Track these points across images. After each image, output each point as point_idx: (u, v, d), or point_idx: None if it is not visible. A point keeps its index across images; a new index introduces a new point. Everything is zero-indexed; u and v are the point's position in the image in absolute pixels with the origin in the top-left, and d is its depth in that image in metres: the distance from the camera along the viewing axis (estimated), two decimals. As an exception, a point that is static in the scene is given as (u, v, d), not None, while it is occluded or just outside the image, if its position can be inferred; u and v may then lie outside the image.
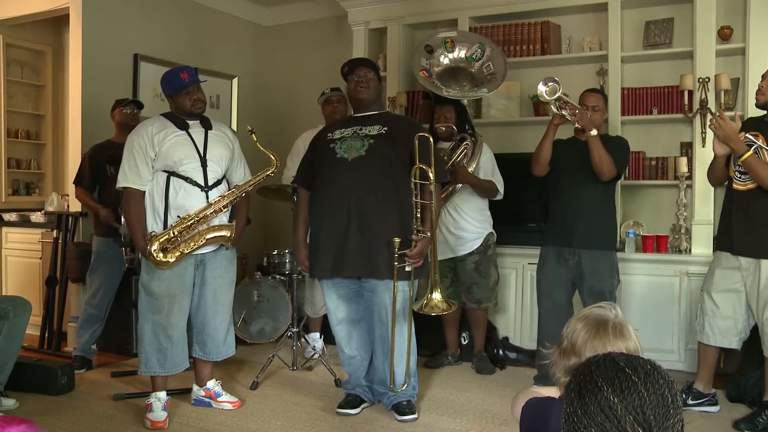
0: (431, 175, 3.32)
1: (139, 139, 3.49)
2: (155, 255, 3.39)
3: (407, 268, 3.37)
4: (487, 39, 4.76)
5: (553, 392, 1.70)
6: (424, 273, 3.50)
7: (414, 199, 3.38)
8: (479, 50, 4.61)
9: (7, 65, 5.89)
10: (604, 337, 1.57)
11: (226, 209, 3.59)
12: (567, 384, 1.22)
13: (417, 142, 3.36)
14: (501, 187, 4.43)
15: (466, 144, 4.33)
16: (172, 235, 3.42)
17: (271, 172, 3.70)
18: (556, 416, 1.49)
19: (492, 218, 4.54)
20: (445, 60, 4.61)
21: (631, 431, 1.11)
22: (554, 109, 3.82)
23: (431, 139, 3.41)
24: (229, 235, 3.57)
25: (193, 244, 3.47)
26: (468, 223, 4.40)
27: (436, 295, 3.36)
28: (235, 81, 6.30)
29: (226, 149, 3.66)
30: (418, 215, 3.40)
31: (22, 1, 5.46)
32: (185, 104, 3.55)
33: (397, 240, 3.32)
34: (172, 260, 3.43)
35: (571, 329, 1.64)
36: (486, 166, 4.40)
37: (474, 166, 4.33)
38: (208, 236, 3.51)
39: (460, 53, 4.63)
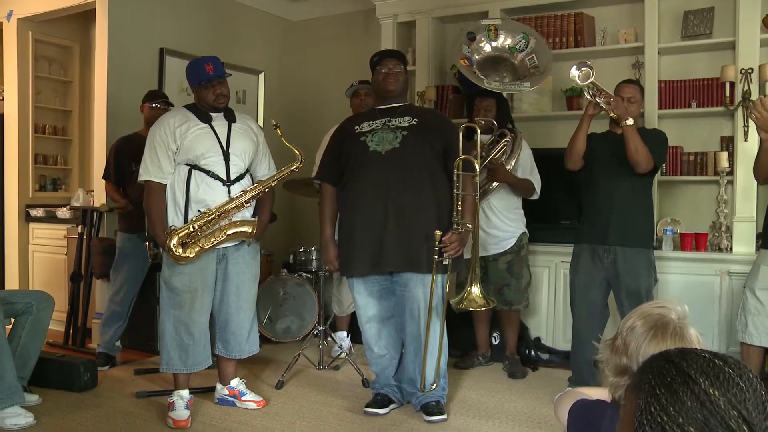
0: (477, 166, 3.23)
1: (161, 132, 3.43)
2: (174, 249, 3.32)
3: (445, 262, 3.27)
4: (533, 30, 4.56)
5: (601, 393, 1.57)
6: (460, 267, 3.40)
7: (456, 191, 3.28)
8: (523, 41, 4.40)
9: (36, 61, 5.88)
10: (661, 342, 1.40)
11: (248, 204, 3.50)
12: (641, 380, 1.05)
13: (461, 133, 3.28)
14: (538, 187, 4.30)
15: (506, 141, 4.19)
16: (192, 230, 3.34)
17: (296, 168, 3.62)
18: (609, 420, 1.37)
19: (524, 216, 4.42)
20: (486, 47, 4.41)
21: (736, 428, 0.96)
22: (588, 96, 3.66)
23: (478, 129, 3.34)
24: (250, 231, 3.49)
25: (213, 239, 3.39)
26: (502, 222, 4.27)
27: (476, 290, 3.27)
28: (261, 76, 6.24)
29: (249, 143, 3.57)
30: (459, 208, 3.29)
31: (51, -3, 5.45)
32: (208, 97, 3.48)
33: (438, 233, 3.23)
34: (191, 255, 3.35)
35: (629, 326, 1.47)
36: (525, 164, 4.27)
37: (513, 163, 4.20)
38: (229, 232, 3.42)
39: (503, 42, 4.43)
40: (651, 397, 1.01)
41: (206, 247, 3.38)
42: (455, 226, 3.30)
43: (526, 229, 4.38)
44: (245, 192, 3.48)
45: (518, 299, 4.33)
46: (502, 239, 4.28)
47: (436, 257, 3.26)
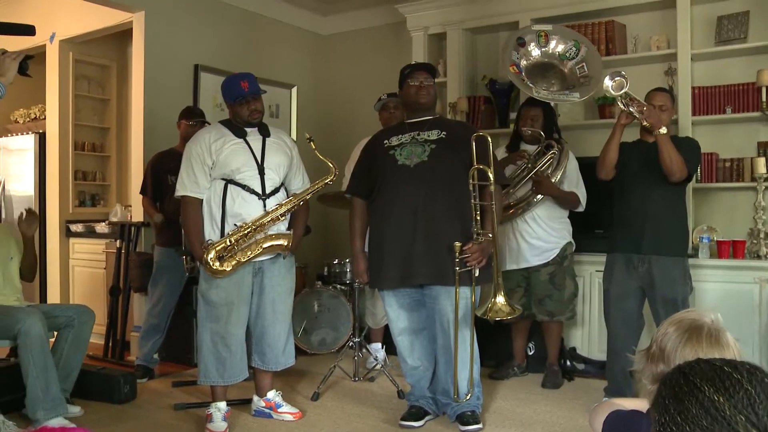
0: (491, 175, 3.23)
1: (197, 148, 3.49)
2: (211, 263, 3.37)
3: (476, 272, 3.27)
4: (584, 38, 4.49)
5: (637, 404, 1.56)
6: (487, 278, 3.38)
7: (473, 201, 3.28)
8: (574, 48, 4.33)
9: (75, 80, 6.04)
10: (697, 345, 1.40)
11: (284, 218, 3.54)
12: (657, 392, 1.07)
13: (474, 143, 3.27)
14: (584, 200, 4.25)
15: (553, 153, 4.16)
16: (229, 244, 3.39)
17: (330, 180, 3.65)
18: (645, 430, 1.36)
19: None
20: (535, 52, 4.34)
21: None
22: (621, 106, 3.65)
23: (489, 139, 3.32)
24: (286, 244, 3.52)
25: (249, 252, 3.43)
26: (545, 232, 4.23)
27: (500, 299, 3.25)
28: (294, 90, 6.31)
29: (284, 157, 3.62)
30: (478, 218, 3.29)
31: (90, 18, 5.59)
32: (243, 113, 3.53)
33: (457, 244, 3.23)
34: (228, 269, 3.40)
35: (662, 333, 1.47)
36: (571, 176, 4.23)
37: (559, 175, 4.16)
38: (265, 245, 3.47)
39: (553, 48, 4.34)
40: (662, 407, 1.03)
41: (242, 260, 3.42)
42: (475, 237, 3.30)
43: (571, 239, 4.33)
44: (280, 205, 3.52)
45: (560, 310, 4.28)
46: (544, 250, 4.24)
47: (458, 269, 3.25)
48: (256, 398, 3.76)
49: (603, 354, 4.22)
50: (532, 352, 4.60)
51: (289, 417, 3.67)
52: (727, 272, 4.26)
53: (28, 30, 2.96)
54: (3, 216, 6.22)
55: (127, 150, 6.24)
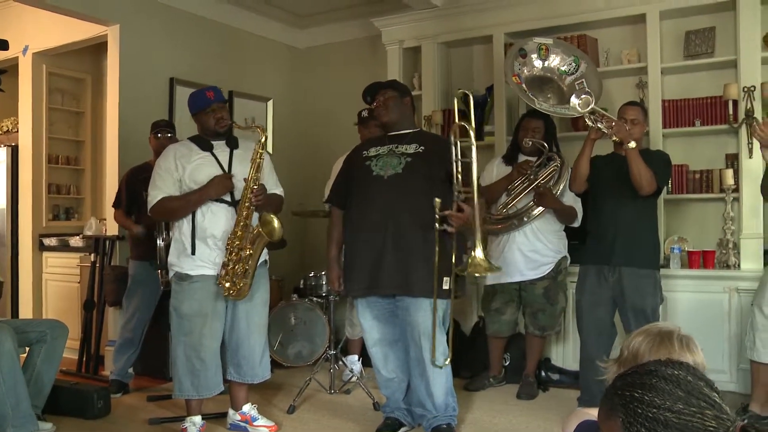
0: (472, 134, 3.14)
1: (163, 162, 3.54)
2: (229, 291, 3.41)
3: (445, 286, 3.27)
4: (584, 54, 4.50)
5: None
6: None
7: (456, 158, 3.25)
8: (574, 64, 4.33)
9: (49, 93, 6.01)
10: (670, 347, 1.42)
11: (250, 212, 3.48)
12: (613, 401, 1.06)
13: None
14: (580, 215, 4.24)
15: (555, 165, 4.18)
16: (230, 268, 3.40)
17: (263, 141, 3.52)
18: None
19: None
20: (537, 64, 4.31)
21: (708, 391, 1.02)
22: (589, 123, 3.71)
23: (471, 133, 3.27)
24: (261, 230, 3.43)
25: (251, 261, 3.43)
26: (543, 245, 4.23)
27: (479, 253, 3.12)
28: (270, 103, 6.32)
29: None
30: (459, 176, 3.26)
31: (64, 30, 5.56)
32: (209, 122, 3.56)
33: (437, 200, 3.23)
34: (243, 286, 3.44)
35: (631, 340, 1.50)
36: None
37: (561, 188, 4.17)
38: (251, 249, 3.44)
39: (553, 63, 4.33)
40: (631, 403, 1.03)
41: (250, 271, 3.44)
42: (457, 194, 3.26)
43: (566, 253, 4.33)
44: (241, 206, 3.46)
45: (551, 324, 4.31)
46: (541, 264, 4.24)
47: (437, 225, 3.25)
48: (231, 412, 3.74)
49: (577, 364, 4.25)
50: (508, 362, 4.62)
51: (265, 430, 3.66)
52: (698, 282, 4.33)
53: (1, 45, 2.96)
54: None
55: (102, 163, 6.20)
